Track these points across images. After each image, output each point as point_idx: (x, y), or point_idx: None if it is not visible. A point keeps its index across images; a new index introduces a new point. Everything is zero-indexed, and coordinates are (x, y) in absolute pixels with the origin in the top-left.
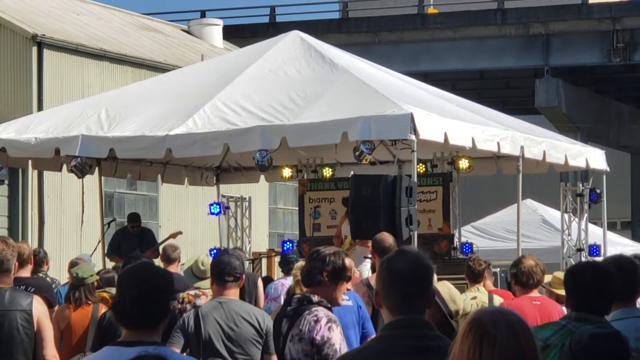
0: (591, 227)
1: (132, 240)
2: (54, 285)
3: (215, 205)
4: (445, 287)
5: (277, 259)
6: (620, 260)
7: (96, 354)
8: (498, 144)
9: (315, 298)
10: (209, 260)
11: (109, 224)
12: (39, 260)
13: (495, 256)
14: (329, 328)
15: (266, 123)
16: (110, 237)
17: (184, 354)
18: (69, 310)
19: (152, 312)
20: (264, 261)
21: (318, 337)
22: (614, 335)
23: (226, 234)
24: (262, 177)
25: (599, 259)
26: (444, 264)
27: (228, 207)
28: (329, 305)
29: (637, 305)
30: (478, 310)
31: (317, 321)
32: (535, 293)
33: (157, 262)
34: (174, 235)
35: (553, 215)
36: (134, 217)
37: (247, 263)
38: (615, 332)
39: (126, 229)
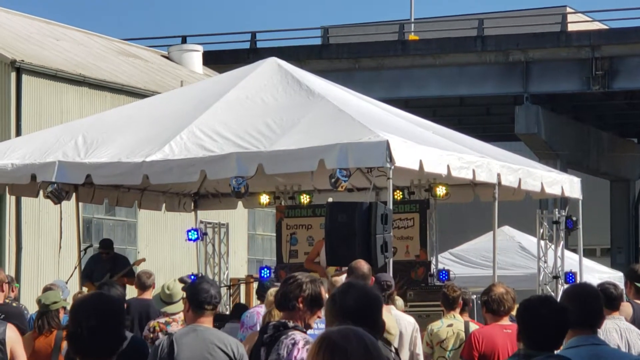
0: (569, 254)
1: (104, 266)
2: (23, 312)
3: (193, 231)
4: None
5: (255, 285)
6: (581, 288)
7: None
8: (474, 171)
9: (291, 323)
10: (174, 284)
11: (85, 249)
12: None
13: (472, 283)
14: (307, 350)
15: (242, 150)
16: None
17: None
18: (32, 336)
19: (109, 342)
20: (242, 287)
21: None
22: None
23: (204, 260)
24: (240, 203)
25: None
26: (421, 290)
27: (206, 233)
28: (304, 330)
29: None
30: (326, 330)
31: (294, 344)
32: (505, 321)
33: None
34: (137, 263)
35: (530, 242)
36: (106, 244)
37: (224, 289)
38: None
39: (99, 255)
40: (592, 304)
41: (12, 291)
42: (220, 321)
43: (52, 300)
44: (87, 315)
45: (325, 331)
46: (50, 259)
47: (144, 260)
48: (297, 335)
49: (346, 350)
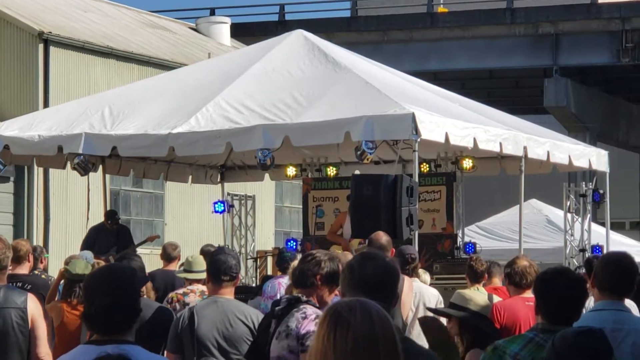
0: (596, 227)
1: (108, 237)
2: (50, 283)
3: (219, 203)
4: (478, 297)
5: None
6: (618, 255)
7: (70, 352)
8: (500, 144)
9: (304, 297)
10: (198, 256)
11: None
12: (34, 258)
13: (499, 256)
14: (316, 324)
15: (268, 122)
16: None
17: None
18: (62, 307)
19: (123, 318)
20: (269, 260)
21: (303, 331)
22: (598, 331)
23: (230, 232)
24: (267, 175)
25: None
26: (447, 263)
27: (232, 206)
28: (317, 306)
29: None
30: (336, 301)
31: (305, 317)
32: (528, 293)
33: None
34: (151, 239)
35: (558, 215)
36: (112, 214)
37: (250, 261)
38: (598, 329)
39: (102, 226)
40: (624, 272)
41: (42, 262)
42: (247, 293)
43: (84, 270)
44: (98, 294)
45: (334, 302)
46: (78, 231)
47: (157, 236)
48: (309, 310)
49: (349, 322)
